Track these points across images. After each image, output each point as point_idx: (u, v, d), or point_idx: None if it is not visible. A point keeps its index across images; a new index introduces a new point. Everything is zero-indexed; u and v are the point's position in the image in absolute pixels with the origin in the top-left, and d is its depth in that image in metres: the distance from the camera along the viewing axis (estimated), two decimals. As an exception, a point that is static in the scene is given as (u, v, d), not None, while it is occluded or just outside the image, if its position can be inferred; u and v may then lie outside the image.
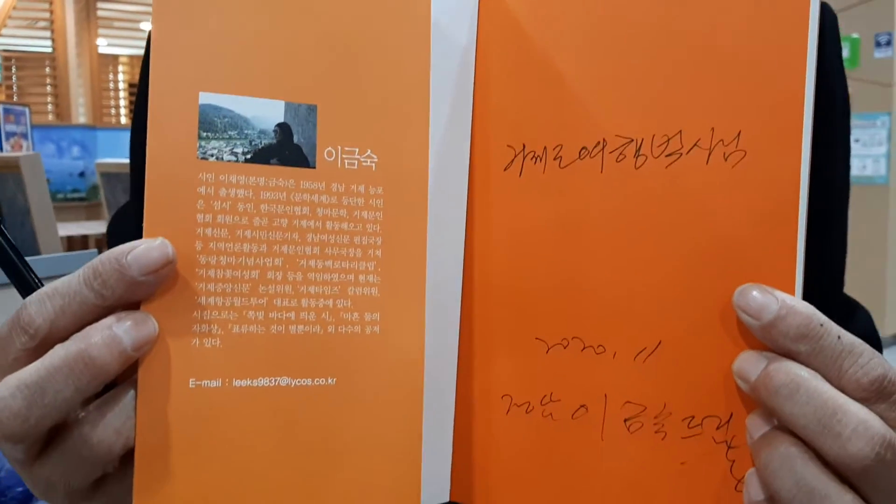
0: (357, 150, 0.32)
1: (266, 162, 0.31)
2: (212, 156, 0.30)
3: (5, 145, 2.87)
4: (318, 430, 0.32)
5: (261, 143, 0.31)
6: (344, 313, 0.32)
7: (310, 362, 0.31)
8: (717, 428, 0.31)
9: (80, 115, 4.38)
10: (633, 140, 0.33)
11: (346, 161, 0.32)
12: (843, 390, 0.28)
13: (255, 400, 0.31)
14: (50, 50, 4.32)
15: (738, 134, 0.31)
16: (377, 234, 0.33)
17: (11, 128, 2.97)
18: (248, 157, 0.31)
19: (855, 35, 2.43)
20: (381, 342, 0.33)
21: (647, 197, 0.32)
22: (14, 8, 4.11)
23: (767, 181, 0.30)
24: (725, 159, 0.31)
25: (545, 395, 0.35)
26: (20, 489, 0.71)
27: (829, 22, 0.44)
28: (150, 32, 0.48)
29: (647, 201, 0.32)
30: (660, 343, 0.32)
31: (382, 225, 0.33)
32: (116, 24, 4.56)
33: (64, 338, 0.28)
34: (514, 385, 0.35)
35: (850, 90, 0.49)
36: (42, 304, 0.28)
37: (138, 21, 4.60)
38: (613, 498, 0.33)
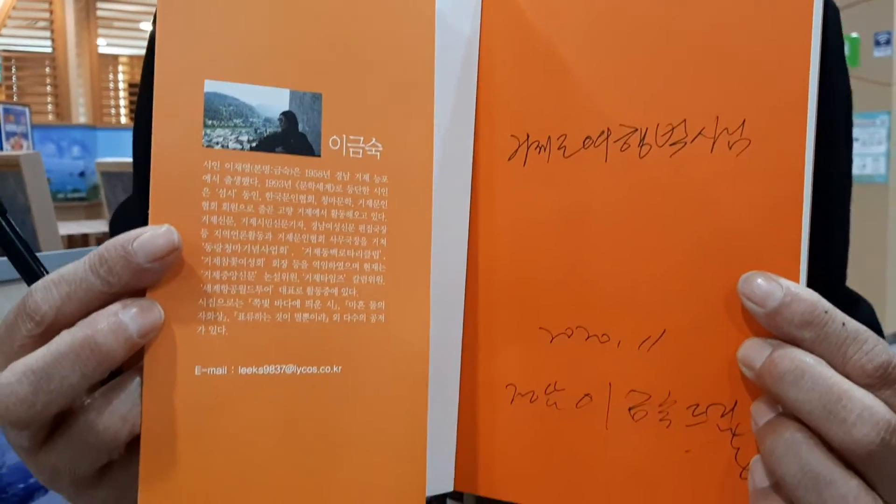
0: (362, 138, 0.32)
1: (271, 150, 0.31)
2: (217, 144, 0.30)
3: (5, 145, 2.87)
4: (323, 418, 0.32)
5: (266, 131, 0.31)
6: (349, 301, 0.32)
7: (315, 350, 0.31)
8: (722, 416, 0.31)
9: (80, 115, 4.37)
10: (637, 129, 0.33)
11: (350, 150, 0.32)
12: (847, 377, 0.28)
13: (260, 387, 0.31)
14: (50, 50, 4.31)
15: (743, 122, 0.31)
16: (382, 222, 0.33)
17: (11, 128, 2.96)
18: (254, 145, 0.31)
19: (854, 34, 2.43)
20: (386, 331, 0.33)
21: (651, 186, 0.33)
22: (14, 8, 4.11)
23: (772, 169, 0.30)
24: (730, 148, 0.31)
25: (549, 385, 0.35)
26: (21, 486, 0.70)
27: (831, 15, 0.44)
28: (151, 32, 0.48)
29: (652, 190, 0.33)
30: (664, 331, 0.32)
31: (387, 214, 0.33)
32: (116, 24, 4.56)
33: (70, 324, 0.28)
34: (518, 374, 0.35)
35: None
36: (48, 291, 0.28)
37: (138, 21, 4.59)
38: (618, 486, 0.33)
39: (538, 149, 0.35)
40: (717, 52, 0.31)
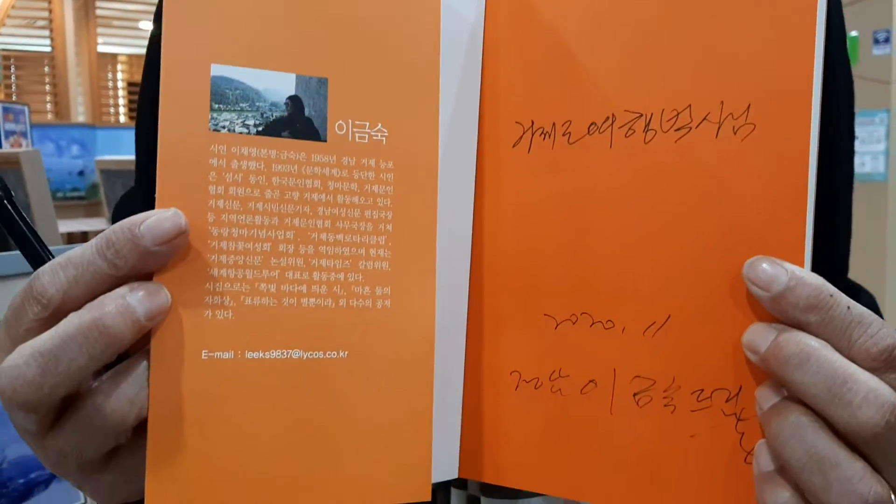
0: (367, 124, 0.32)
1: (277, 134, 0.31)
2: (223, 128, 0.30)
3: (4, 144, 2.87)
4: (329, 403, 0.32)
5: (272, 115, 0.31)
6: (355, 287, 0.32)
7: (322, 335, 0.32)
8: (727, 400, 0.31)
9: (80, 114, 4.37)
10: (642, 115, 0.33)
11: (356, 135, 0.32)
12: (852, 360, 0.28)
13: (267, 372, 0.31)
14: (49, 49, 4.31)
15: (748, 107, 0.31)
16: (388, 208, 0.33)
17: (11, 126, 2.96)
18: (260, 129, 0.31)
19: (854, 33, 2.43)
20: (392, 316, 0.33)
21: (656, 172, 0.33)
22: (13, 7, 4.11)
23: (777, 154, 0.31)
24: (735, 133, 0.31)
25: (554, 371, 0.35)
26: (21, 481, 0.70)
27: (833, 5, 0.44)
28: (152, 31, 0.48)
29: (657, 176, 0.33)
30: (669, 317, 0.32)
31: (393, 199, 0.33)
32: (115, 23, 4.55)
33: (77, 308, 0.28)
34: (522, 361, 0.35)
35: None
36: (55, 275, 0.28)
37: (137, 20, 4.59)
38: (623, 472, 0.33)
39: (543, 135, 0.35)
40: (722, 37, 0.31)
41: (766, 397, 0.30)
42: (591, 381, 0.34)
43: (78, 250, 0.29)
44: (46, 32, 4.33)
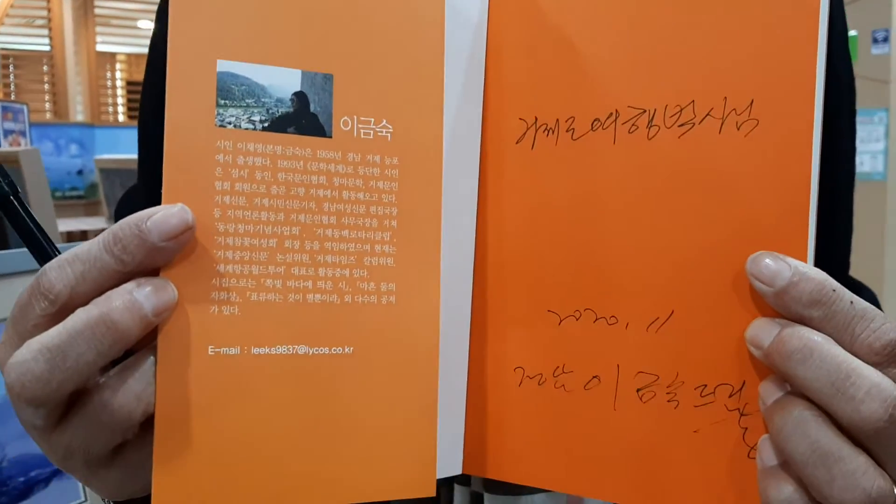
0: (373, 120, 0.33)
1: (283, 130, 0.31)
2: (229, 123, 0.30)
3: (3, 143, 2.87)
4: (335, 399, 0.32)
5: (278, 111, 0.31)
6: (360, 283, 0.32)
7: (327, 331, 0.32)
8: (730, 396, 0.32)
9: (78, 113, 4.36)
10: (645, 111, 0.33)
11: (361, 131, 0.32)
12: (856, 355, 0.28)
13: (273, 368, 0.31)
14: (48, 48, 4.31)
15: (751, 103, 0.31)
16: (393, 204, 0.33)
17: (9, 125, 2.96)
18: (266, 125, 0.31)
19: (852, 32, 2.44)
20: (397, 312, 0.33)
21: (659, 167, 0.33)
22: (12, 6, 4.10)
23: (780, 149, 0.31)
24: (738, 128, 0.31)
25: (558, 367, 0.35)
26: (21, 479, 0.70)
27: (835, 3, 0.44)
28: (153, 30, 0.49)
29: (660, 172, 0.33)
30: (672, 313, 0.33)
31: (398, 195, 0.33)
32: (114, 22, 4.55)
33: (84, 304, 0.28)
34: (526, 357, 0.36)
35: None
36: (62, 270, 0.28)
37: (136, 19, 4.58)
38: (626, 468, 0.33)
39: (546, 132, 0.35)
40: (725, 32, 0.32)
41: (769, 392, 0.30)
42: (594, 377, 0.34)
43: (85, 246, 0.29)
44: (45, 31, 4.32)
